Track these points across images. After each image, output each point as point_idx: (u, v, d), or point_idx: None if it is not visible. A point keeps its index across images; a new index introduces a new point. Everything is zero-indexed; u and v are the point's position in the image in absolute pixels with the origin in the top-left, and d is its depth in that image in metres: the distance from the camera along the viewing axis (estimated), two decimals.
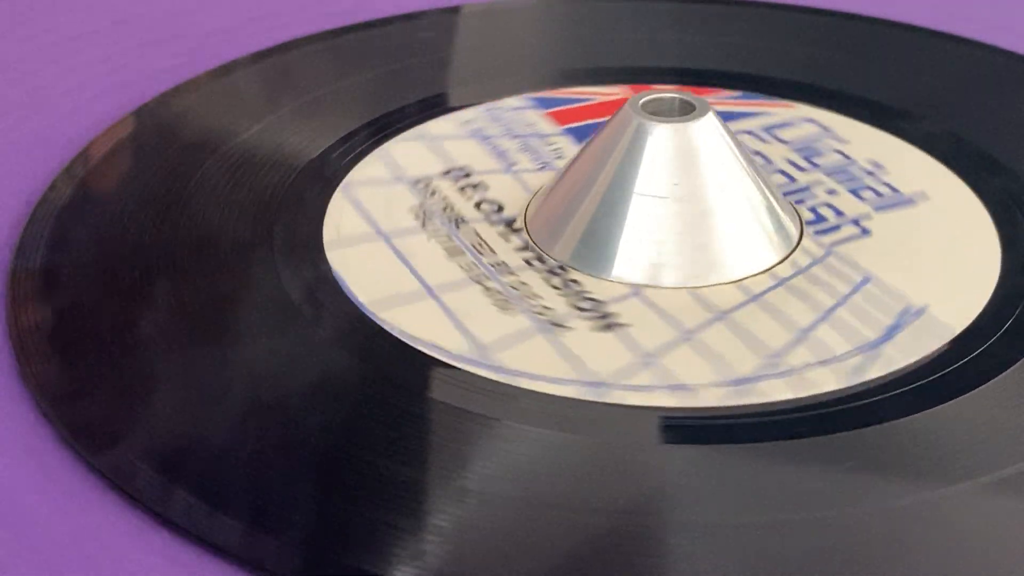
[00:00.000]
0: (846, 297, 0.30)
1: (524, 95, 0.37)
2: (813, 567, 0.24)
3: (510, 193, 0.33)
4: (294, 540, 0.24)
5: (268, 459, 0.26)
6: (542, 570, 0.24)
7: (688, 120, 0.31)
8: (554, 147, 0.35)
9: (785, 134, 0.36)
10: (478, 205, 0.33)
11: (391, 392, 0.27)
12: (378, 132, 0.35)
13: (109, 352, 0.28)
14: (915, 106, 0.37)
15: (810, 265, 0.31)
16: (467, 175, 0.34)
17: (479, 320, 0.29)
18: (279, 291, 0.30)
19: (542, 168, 0.34)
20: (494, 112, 0.37)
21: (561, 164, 0.33)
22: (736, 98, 0.37)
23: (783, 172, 0.34)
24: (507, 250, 0.31)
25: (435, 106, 0.37)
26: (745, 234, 0.31)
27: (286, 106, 0.37)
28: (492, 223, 0.32)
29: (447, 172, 0.34)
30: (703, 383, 0.27)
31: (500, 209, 0.33)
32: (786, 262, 0.31)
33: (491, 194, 0.33)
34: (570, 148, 0.34)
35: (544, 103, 0.37)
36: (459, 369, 0.28)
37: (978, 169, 0.34)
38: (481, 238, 0.32)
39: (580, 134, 0.35)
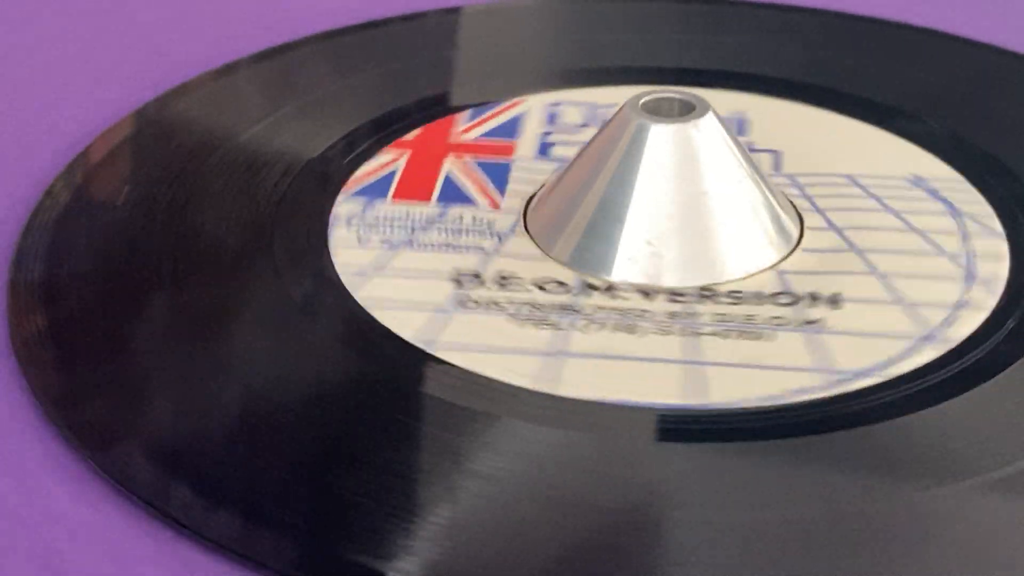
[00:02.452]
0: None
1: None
2: (812, 566, 0.24)
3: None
4: (293, 536, 0.24)
5: (267, 457, 0.26)
6: (540, 567, 0.24)
7: (688, 120, 0.31)
8: None
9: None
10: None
11: (390, 390, 0.27)
12: (379, 132, 0.35)
13: (110, 354, 0.28)
14: (915, 106, 0.37)
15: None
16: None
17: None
18: (279, 291, 0.30)
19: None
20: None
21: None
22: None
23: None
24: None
25: (436, 106, 0.37)
26: (745, 233, 0.31)
27: (286, 106, 0.37)
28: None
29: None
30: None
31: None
32: (786, 261, 0.31)
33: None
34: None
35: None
36: (459, 368, 0.28)
37: (980, 169, 0.34)
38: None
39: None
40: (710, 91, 0.34)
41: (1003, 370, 0.28)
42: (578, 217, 0.31)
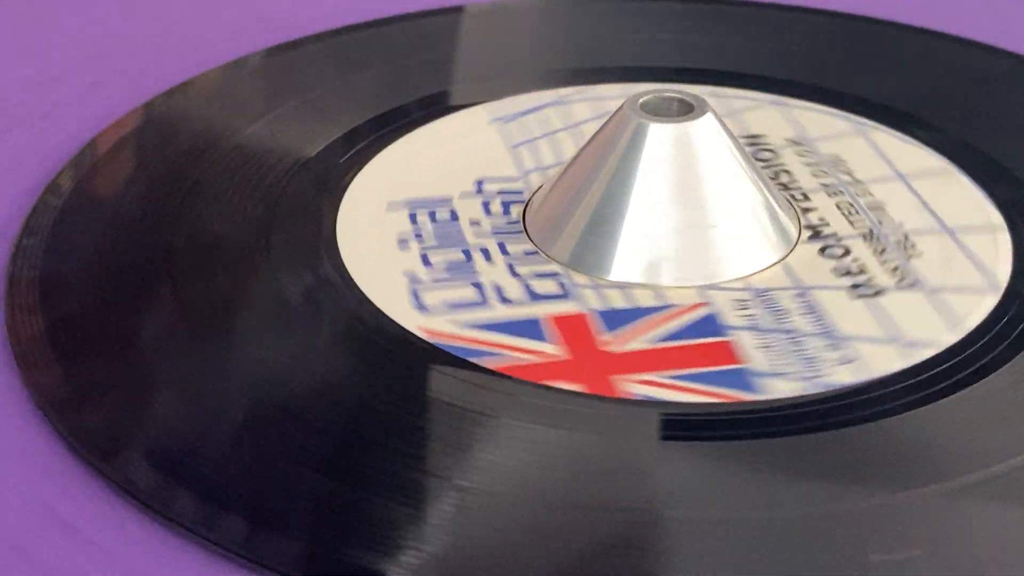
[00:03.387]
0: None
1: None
2: (811, 565, 0.24)
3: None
4: (297, 539, 0.24)
5: (269, 458, 0.26)
6: (543, 566, 0.24)
7: (687, 120, 0.31)
8: None
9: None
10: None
11: (391, 390, 0.27)
12: (379, 131, 0.35)
13: (110, 355, 0.28)
14: (916, 106, 0.37)
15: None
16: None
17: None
18: (280, 291, 0.30)
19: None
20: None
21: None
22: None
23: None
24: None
25: (436, 105, 0.37)
26: (744, 233, 0.31)
27: (287, 105, 0.37)
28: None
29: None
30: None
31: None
32: (786, 261, 0.31)
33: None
34: None
35: None
36: (458, 367, 0.28)
37: (980, 169, 0.34)
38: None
39: None
40: (710, 91, 0.34)
41: (999, 370, 0.28)
42: (577, 217, 0.31)
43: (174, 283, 0.30)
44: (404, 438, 0.26)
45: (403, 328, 0.29)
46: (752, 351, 0.28)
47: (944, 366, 0.28)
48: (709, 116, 0.31)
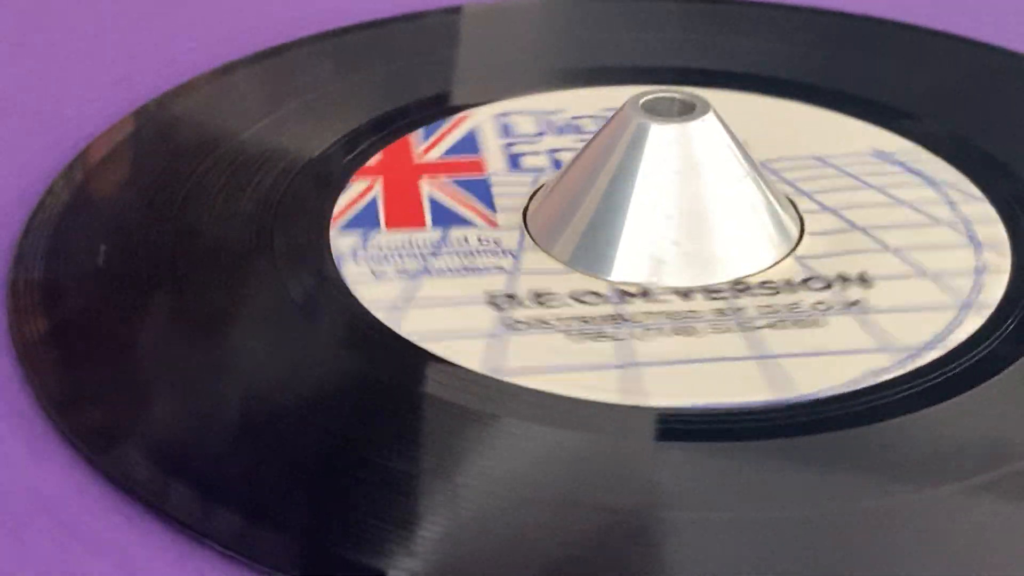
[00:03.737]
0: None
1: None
2: (810, 565, 0.24)
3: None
4: (295, 537, 0.24)
5: (268, 457, 0.26)
6: (540, 567, 0.24)
7: (688, 120, 0.31)
8: None
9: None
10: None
11: (390, 390, 0.27)
12: (379, 132, 0.35)
13: (111, 355, 0.28)
14: (916, 106, 0.37)
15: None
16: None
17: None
18: (280, 292, 0.30)
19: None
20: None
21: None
22: None
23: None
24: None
25: (436, 105, 0.37)
26: (745, 233, 0.31)
27: (286, 106, 0.37)
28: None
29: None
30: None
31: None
32: (786, 261, 0.31)
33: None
34: None
35: None
36: (458, 367, 0.28)
37: (980, 169, 0.34)
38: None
39: None
40: (710, 91, 0.34)
41: (1002, 372, 0.28)
42: (578, 217, 0.31)
43: (174, 284, 0.30)
44: (403, 437, 0.26)
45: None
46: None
47: (945, 368, 0.28)
48: (710, 116, 0.31)
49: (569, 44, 0.41)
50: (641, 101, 0.32)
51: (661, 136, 0.31)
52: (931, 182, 0.33)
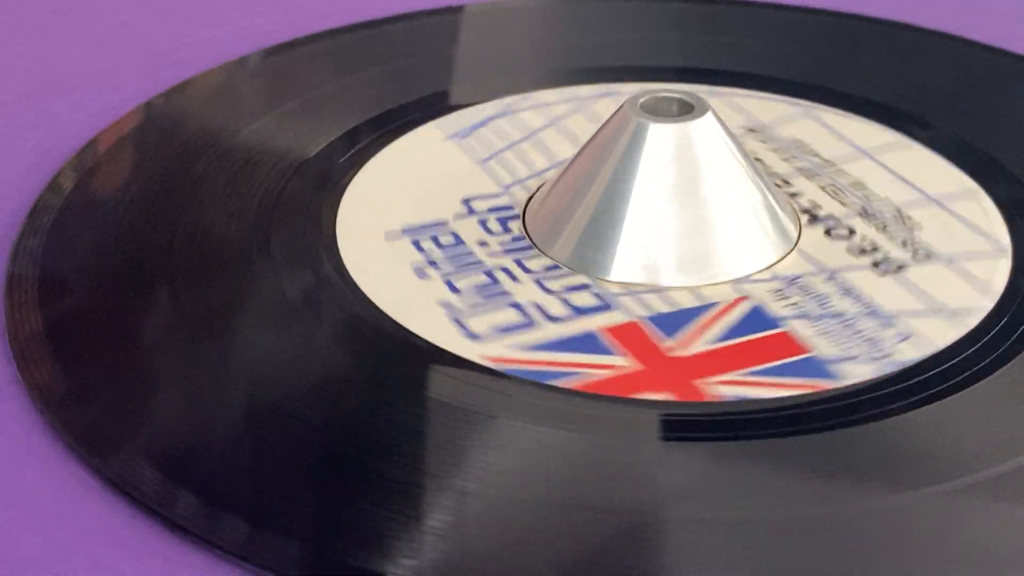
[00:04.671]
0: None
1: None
2: (809, 565, 0.24)
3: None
4: (296, 540, 0.24)
5: (269, 459, 0.26)
6: (541, 567, 0.24)
7: (687, 120, 0.31)
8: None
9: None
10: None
11: (391, 390, 0.27)
12: (379, 131, 0.35)
13: (110, 355, 0.28)
14: (915, 106, 0.37)
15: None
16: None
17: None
18: (279, 291, 0.30)
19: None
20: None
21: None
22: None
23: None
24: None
25: (436, 105, 0.37)
26: (744, 233, 0.31)
27: (286, 105, 0.37)
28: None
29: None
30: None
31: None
32: (785, 260, 0.31)
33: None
34: None
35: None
36: (457, 367, 0.28)
37: (980, 169, 0.34)
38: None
39: None
40: (710, 91, 0.34)
41: (999, 370, 0.28)
42: (578, 217, 0.31)
43: (173, 282, 0.30)
44: (404, 439, 0.26)
45: (457, 355, 0.28)
46: (813, 338, 0.28)
47: (935, 369, 0.28)
48: (709, 116, 0.31)
49: (569, 44, 0.41)
50: (640, 101, 0.32)
51: (660, 136, 0.31)
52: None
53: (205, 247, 0.31)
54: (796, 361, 0.28)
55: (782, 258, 0.31)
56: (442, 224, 0.32)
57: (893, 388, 0.27)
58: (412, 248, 0.31)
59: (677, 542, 0.24)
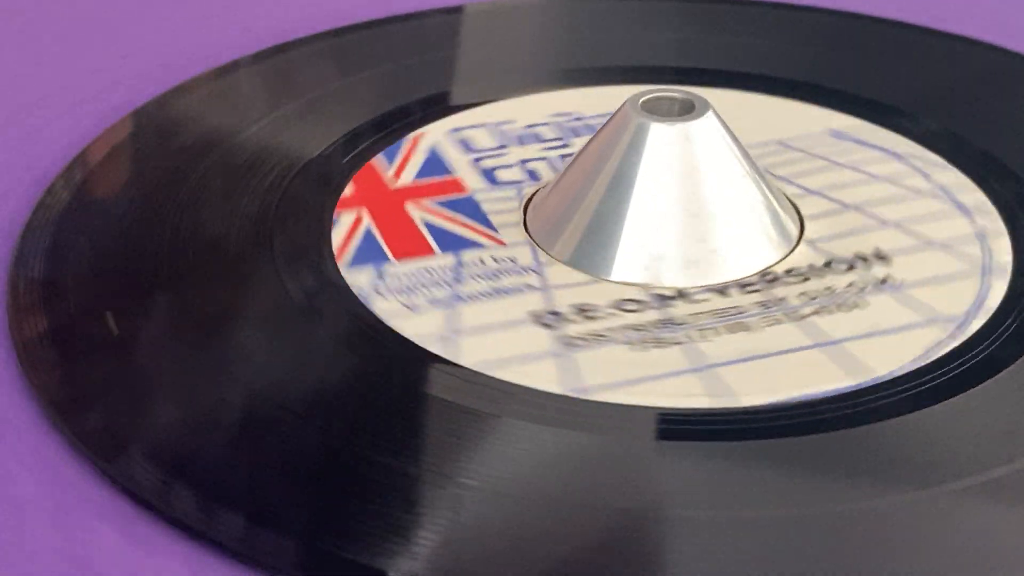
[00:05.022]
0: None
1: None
2: (809, 565, 0.24)
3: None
4: (296, 538, 0.24)
5: (269, 458, 0.26)
6: (540, 566, 0.24)
7: (688, 119, 0.31)
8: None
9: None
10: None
11: (390, 390, 0.27)
12: (379, 131, 0.35)
13: (112, 355, 0.28)
14: (915, 106, 0.37)
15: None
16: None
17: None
18: (280, 292, 0.30)
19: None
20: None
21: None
22: None
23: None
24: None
25: (436, 105, 0.37)
26: (745, 233, 0.31)
27: (286, 106, 0.37)
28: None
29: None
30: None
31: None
32: (800, 247, 0.31)
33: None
34: None
35: None
36: (457, 367, 0.28)
37: (979, 169, 0.34)
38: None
39: None
40: (710, 91, 0.34)
41: (1001, 371, 0.28)
42: (578, 217, 0.31)
43: (174, 283, 0.30)
44: (404, 437, 0.26)
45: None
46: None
47: (945, 368, 0.28)
48: (709, 116, 0.31)
49: (569, 44, 0.41)
50: (641, 101, 0.32)
51: (661, 136, 0.31)
52: (895, 155, 0.34)
53: (206, 248, 0.31)
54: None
55: (783, 258, 0.31)
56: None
57: (893, 388, 0.27)
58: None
59: (677, 542, 0.24)
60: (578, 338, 0.29)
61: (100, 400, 0.27)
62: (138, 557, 0.24)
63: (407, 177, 0.34)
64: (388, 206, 0.33)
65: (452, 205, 0.33)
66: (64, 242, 0.31)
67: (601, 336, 0.29)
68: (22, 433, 0.27)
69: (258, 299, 0.30)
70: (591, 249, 0.31)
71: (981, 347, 0.28)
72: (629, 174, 0.31)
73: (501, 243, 0.32)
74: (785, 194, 0.33)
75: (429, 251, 0.31)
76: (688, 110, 0.32)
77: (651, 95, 0.32)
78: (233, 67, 0.39)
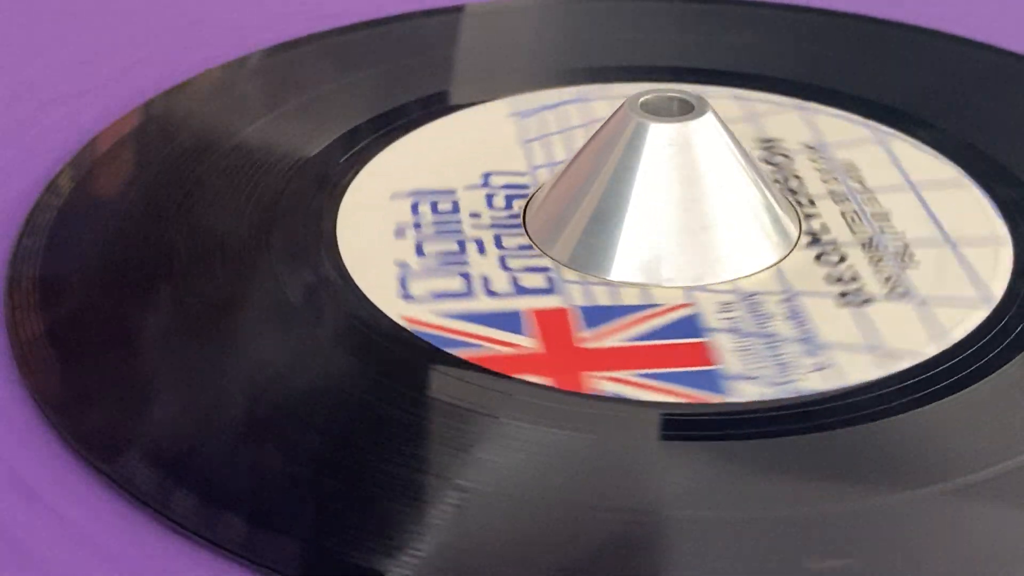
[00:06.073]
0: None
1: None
2: (809, 565, 0.24)
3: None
4: (297, 539, 0.24)
5: (269, 458, 0.26)
6: (541, 567, 0.24)
7: (687, 119, 0.31)
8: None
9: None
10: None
11: (390, 389, 0.27)
12: (379, 131, 0.36)
13: (111, 355, 0.28)
14: (915, 106, 0.37)
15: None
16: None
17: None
18: (280, 291, 0.30)
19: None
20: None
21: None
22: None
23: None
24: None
25: (436, 105, 0.37)
26: (744, 233, 0.31)
27: (286, 105, 0.37)
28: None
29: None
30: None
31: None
32: (780, 266, 0.31)
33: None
34: None
35: None
36: (457, 367, 0.28)
37: (980, 169, 0.34)
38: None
39: None
40: (710, 91, 0.34)
41: (997, 371, 0.28)
42: (577, 217, 0.31)
43: (174, 283, 0.30)
44: (404, 437, 0.26)
45: (387, 316, 0.29)
46: (727, 353, 0.28)
47: (936, 369, 0.28)
48: (709, 116, 0.31)
49: (569, 44, 0.41)
50: (640, 101, 0.32)
51: (660, 136, 0.31)
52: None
53: (205, 247, 0.31)
54: (693, 372, 0.28)
55: (783, 258, 0.31)
56: (450, 192, 0.33)
57: (893, 388, 0.27)
58: (408, 210, 0.32)
59: (677, 542, 0.24)
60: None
61: (99, 401, 0.27)
62: (137, 558, 0.24)
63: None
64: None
65: None
66: (63, 241, 0.32)
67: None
68: (20, 434, 0.27)
69: (257, 299, 0.30)
70: (590, 248, 0.31)
71: (981, 347, 0.28)
72: (628, 174, 0.31)
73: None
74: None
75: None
76: (688, 110, 0.32)
77: (650, 95, 0.32)
78: (233, 67, 0.39)
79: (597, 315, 0.29)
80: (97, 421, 0.27)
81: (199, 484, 0.25)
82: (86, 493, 0.25)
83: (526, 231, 0.32)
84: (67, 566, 0.24)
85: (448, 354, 0.28)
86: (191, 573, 0.24)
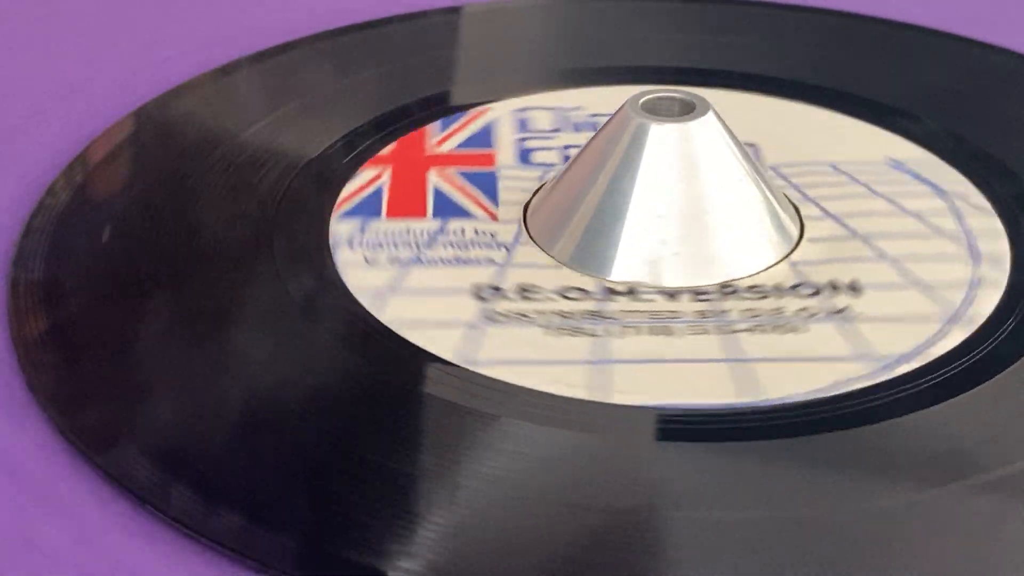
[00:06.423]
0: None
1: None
2: (809, 565, 0.24)
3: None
4: (294, 536, 0.24)
5: (267, 456, 0.26)
6: (538, 566, 0.24)
7: (688, 119, 0.31)
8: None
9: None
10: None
11: (388, 389, 0.27)
12: (379, 131, 0.36)
13: (111, 355, 0.28)
14: (915, 106, 0.37)
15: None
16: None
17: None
18: (279, 291, 0.30)
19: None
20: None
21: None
22: None
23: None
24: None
25: (436, 105, 0.37)
26: (745, 233, 0.31)
27: (286, 106, 0.37)
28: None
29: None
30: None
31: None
32: (795, 252, 0.31)
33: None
34: None
35: None
36: (457, 367, 0.28)
37: (980, 169, 0.34)
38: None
39: None
40: (710, 91, 0.34)
41: (1002, 371, 0.28)
42: (578, 217, 0.31)
43: (174, 283, 0.30)
44: (402, 437, 0.26)
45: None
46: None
47: (949, 367, 0.28)
48: (709, 116, 0.31)
49: (569, 44, 0.41)
50: (641, 101, 0.32)
51: (661, 136, 0.31)
52: (940, 192, 0.33)
53: (206, 248, 0.31)
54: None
55: (783, 258, 0.31)
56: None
57: (894, 388, 0.27)
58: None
59: (676, 541, 0.24)
60: (501, 314, 0.29)
61: (99, 399, 0.27)
62: (136, 555, 0.24)
63: (449, 145, 0.35)
64: (413, 169, 0.34)
65: (472, 177, 0.33)
66: (64, 242, 0.31)
67: (524, 316, 0.29)
68: (21, 432, 0.27)
69: (257, 299, 0.30)
70: (591, 249, 0.31)
71: (982, 347, 0.28)
72: (629, 174, 0.31)
73: (493, 218, 0.32)
74: (787, 197, 0.33)
75: (421, 214, 0.32)
76: (688, 110, 0.32)
77: (651, 95, 0.32)
78: (233, 67, 0.39)
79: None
80: (96, 418, 0.27)
81: (198, 482, 0.25)
82: (86, 490, 0.25)
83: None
84: (66, 561, 0.24)
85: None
86: (189, 570, 0.24)
